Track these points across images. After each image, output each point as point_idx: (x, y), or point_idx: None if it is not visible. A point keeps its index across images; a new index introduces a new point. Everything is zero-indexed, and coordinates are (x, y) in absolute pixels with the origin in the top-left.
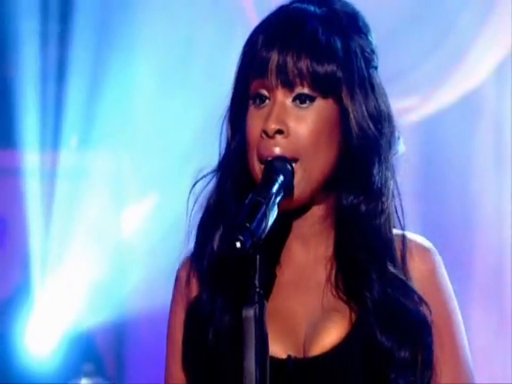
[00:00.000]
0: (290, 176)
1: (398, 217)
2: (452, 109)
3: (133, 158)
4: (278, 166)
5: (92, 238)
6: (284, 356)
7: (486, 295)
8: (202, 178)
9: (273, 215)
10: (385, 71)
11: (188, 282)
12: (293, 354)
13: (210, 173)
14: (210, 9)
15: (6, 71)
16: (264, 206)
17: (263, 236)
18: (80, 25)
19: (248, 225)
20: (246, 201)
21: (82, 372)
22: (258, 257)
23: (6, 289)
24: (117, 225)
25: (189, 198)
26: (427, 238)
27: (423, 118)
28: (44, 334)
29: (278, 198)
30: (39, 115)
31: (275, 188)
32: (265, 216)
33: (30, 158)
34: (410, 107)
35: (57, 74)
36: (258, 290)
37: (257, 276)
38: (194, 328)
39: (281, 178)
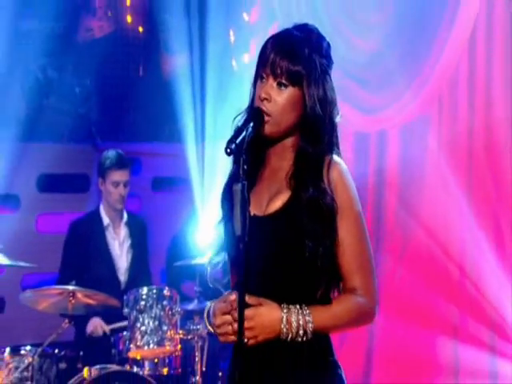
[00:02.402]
0: (262, 119)
1: (333, 152)
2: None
3: None
4: (258, 112)
5: None
6: (252, 213)
7: None
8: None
9: (248, 136)
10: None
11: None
12: (257, 213)
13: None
14: None
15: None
16: (244, 131)
17: (244, 145)
18: None
19: (233, 140)
20: (235, 127)
21: None
22: (242, 158)
23: None
24: None
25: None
26: None
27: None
28: None
29: (250, 129)
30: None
31: (251, 124)
32: (243, 136)
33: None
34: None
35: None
36: (242, 175)
37: (241, 168)
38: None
39: (255, 120)
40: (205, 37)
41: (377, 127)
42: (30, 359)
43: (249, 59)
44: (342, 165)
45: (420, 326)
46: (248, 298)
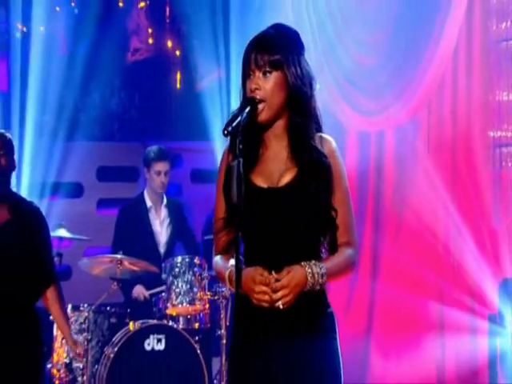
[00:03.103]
0: (255, 105)
1: (319, 126)
2: None
3: None
4: (252, 100)
5: None
6: (266, 186)
7: None
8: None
9: (244, 120)
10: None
11: (227, 157)
12: (270, 185)
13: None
14: None
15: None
16: (239, 117)
17: (239, 128)
18: None
19: (230, 124)
20: (231, 114)
21: None
22: (238, 139)
23: None
24: None
25: None
26: None
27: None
28: None
29: (245, 114)
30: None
31: (246, 110)
32: (238, 121)
33: None
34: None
35: None
36: (238, 154)
37: (237, 148)
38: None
39: (249, 107)
40: (229, 57)
41: (375, 128)
42: (87, 314)
43: None
44: (333, 142)
45: (412, 291)
46: (278, 275)
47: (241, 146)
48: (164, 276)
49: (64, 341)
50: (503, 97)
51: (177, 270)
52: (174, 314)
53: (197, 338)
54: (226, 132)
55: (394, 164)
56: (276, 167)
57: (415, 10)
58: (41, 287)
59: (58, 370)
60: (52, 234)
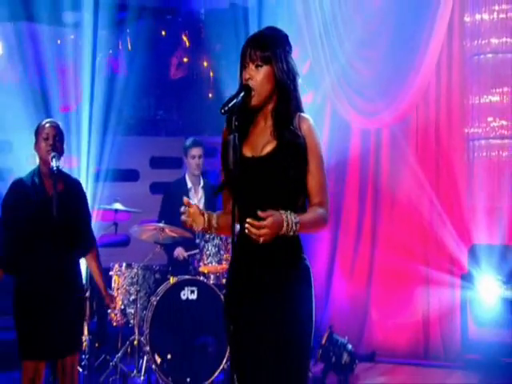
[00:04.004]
0: (249, 91)
1: (300, 109)
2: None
3: None
4: (247, 86)
5: None
6: (251, 155)
7: None
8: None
9: (239, 101)
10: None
11: (225, 134)
12: (254, 155)
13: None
14: None
15: None
16: (234, 99)
17: (235, 108)
18: None
19: (227, 104)
20: (229, 97)
21: None
22: (234, 117)
23: None
24: None
25: None
26: None
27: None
28: None
29: (240, 97)
30: None
31: (241, 94)
32: (234, 102)
33: None
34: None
35: None
36: (234, 129)
37: (233, 124)
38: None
39: (244, 92)
40: None
41: (374, 126)
42: (137, 271)
43: None
44: (310, 119)
45: (403, 255)
46: (261, 213)
47: (236, 123)
48: (197, 241)
49: (120, 291)
50: (475, 101)
51: (207, 236)
52: (206, 271)
53: (223, 291)
54: (223, 110)
55: (389, 155)
56: (260, 141)
57: (406, 32)
58: (83, 240)
59: (116, 315)
60: (109, 206)
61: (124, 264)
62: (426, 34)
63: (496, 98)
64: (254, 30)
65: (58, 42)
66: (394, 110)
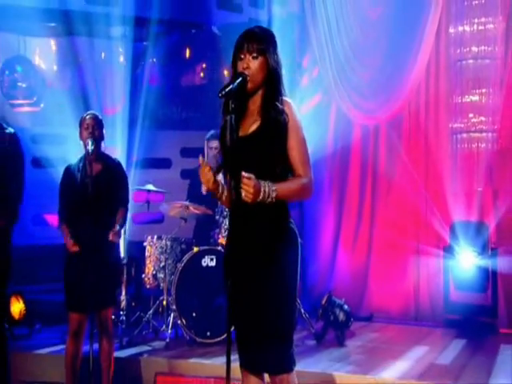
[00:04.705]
0: (245, 78)
1: (283, 94)
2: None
3: None
4: (244, 74)
5: None
6: (240, 134)
7: None
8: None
9: (235, 87)
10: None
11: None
12: (242, 134)
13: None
14: None
15: None
16: (231, 84)
17: (231, 92)
18: None
19: (224, 89)
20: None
21: None
22: (231, 100)
23: None
24: None
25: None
26: None
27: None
28: None
29: (236, 83)
30: None
31: (238, 80)
32: (230, 87)
33: None
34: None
35: None
36: (231, 110)
37: (230, 106)
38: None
39: (240, 78)
40: None
41: (372, 122)
42: (165, 242)
43: (300, 92)
44: (291, 103)
45: (397, 231)
46: (244, 174)
47: (233, 105)
48: (217, 217)
49: (151, 258)
50: (458, 100)
51: (225, 212)
52: (223, 242)
53: None
54: (220, 94)
55: (385, 148)
56: (249, 121)
57: (399, 41)
58: (119, 206)
59: (148, 279)
60: (142, 187)
61: (155, 236)
62: (416, 42)
63: (476, 98)
64: None
65: (103, 55)
66: (389, 108)
